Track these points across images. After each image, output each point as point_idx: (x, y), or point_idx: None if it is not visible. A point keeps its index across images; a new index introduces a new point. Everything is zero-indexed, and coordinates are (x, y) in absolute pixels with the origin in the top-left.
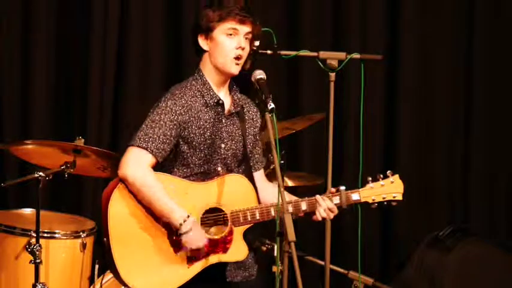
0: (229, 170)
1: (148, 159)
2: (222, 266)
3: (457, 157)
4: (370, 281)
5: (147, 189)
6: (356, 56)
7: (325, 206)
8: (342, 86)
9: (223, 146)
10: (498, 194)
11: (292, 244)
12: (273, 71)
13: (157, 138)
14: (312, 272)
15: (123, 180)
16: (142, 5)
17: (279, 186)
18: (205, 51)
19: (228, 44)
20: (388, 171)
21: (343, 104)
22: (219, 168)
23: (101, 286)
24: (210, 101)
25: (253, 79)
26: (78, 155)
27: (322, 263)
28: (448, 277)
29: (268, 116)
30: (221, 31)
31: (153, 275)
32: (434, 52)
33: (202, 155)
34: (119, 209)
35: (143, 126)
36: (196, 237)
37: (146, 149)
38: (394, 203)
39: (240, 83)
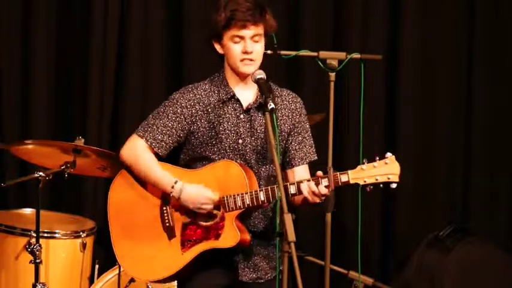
0: (250, 166)
1: (144, 146)
2: (230, 261)
3: (457, 157)
4: (370, 281)
5: (138, 160)
6: (356, 56)
7: (308, 189)
8: (342, 86)
9: (240, 141)
10: (498, 194)
11: (292, 244)
12: (273, 71)
13: (156, 128)
14: (312, 272)
15: (124, 168)
16: (142, 5)
17: (279, 185)
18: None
19: (235, 50)
20: (387, 153)
21: (343, 104)
22: None
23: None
24: (224, 96)
25: (253, 79)
26: (78, 155)
27: (322, 263)
28: (448, 277)
29: (268, 116)
30: (228, 38)
31: (148, 262)
32: (434, 52)
33: (215, 149)
34: (118, 198)
35: (149, 116)
36: (191, 192)
37: (142, 137)
38: (392, 186)
39: None
